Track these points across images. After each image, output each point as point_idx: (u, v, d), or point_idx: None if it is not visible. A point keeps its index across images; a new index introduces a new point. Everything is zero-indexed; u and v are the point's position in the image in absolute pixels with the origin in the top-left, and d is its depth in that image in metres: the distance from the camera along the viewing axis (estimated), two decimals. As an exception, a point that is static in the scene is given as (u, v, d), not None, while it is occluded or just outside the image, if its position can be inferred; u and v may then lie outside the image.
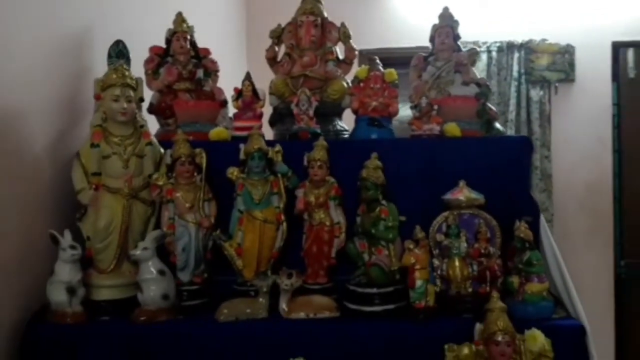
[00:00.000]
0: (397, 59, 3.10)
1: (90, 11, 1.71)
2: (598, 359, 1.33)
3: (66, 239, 1.35)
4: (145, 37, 1.82)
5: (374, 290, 1.38)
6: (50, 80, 1.52)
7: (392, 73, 1.70)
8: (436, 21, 1.83)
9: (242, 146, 1.51)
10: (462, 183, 1.51)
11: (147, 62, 1.76)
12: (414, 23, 3.37)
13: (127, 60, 1.59)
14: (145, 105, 1.68)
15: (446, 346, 1.21)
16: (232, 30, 3.21)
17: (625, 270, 3.31)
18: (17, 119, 1.39)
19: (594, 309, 2.97)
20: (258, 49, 3.14)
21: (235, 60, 3.10)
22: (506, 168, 1.62)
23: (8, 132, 1.35)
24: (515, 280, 1.39)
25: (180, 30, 1.77)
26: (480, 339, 1.21)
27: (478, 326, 1.24)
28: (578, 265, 2.75)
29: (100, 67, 1.68)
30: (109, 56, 1.57)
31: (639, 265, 3.27)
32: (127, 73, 1.45)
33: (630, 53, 3.37)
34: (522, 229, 1.42)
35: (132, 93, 1.45)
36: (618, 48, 3.36)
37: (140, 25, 1.96)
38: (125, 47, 1.60)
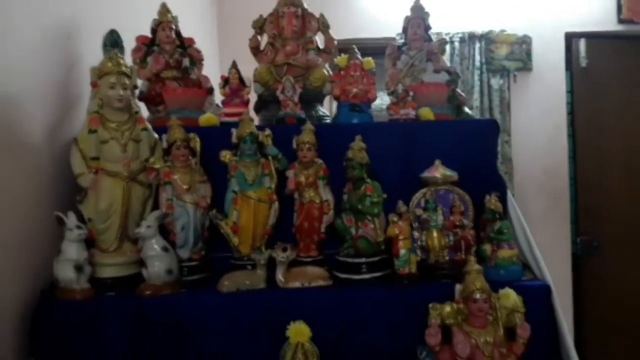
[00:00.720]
0: (366, 49, 3.25)
1: (78, 2, 1.75)
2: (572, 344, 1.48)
3: (71, 220, 1.41)
4: (129, 25, 1.87)
5: (362, 260, 1.51)
6: (44, 70, 1.56)
7: (369, 62, 1.82)
8: (405, 13, 1.96)
9: (234, 131, 1.60)
10: (437, 162, 1.65)
11: (135, 51, 1.82)
12: (382, 15, 3.49)
13: (121, 49, 1.65)
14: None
15: (430, 305, 1.34)
16: (204, 15, 3.24)
17: (580, 247, 3.52)
18: (16, 108, 1.43)
19: (554, 281, 3.22)
20: (230, 34, 3.25)
21: (208, 45, 3.13)
22: (476, 148, 1.77)
23: (9, 121, 1.40)
24: (487, 247, 1.55)
25: (165, 20, 1.84)
26: (460, 298, 1.35)
27: (458, 287, 1.38)
28: (538, 242, 2.96)
29: (89, 56, 1.74)
30: (104, 45, 1.63)
31: (592, 241, 3.50)
32: (122, 61, 1.51)
33: (582, 43, 3.52)
34: (492, 201, 1.57)
35: (127, 81, 1.51)
36: (571, 39, 3.53)
37: (124, 14, 2.01)
38: (119, 36, 1.67)
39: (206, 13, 3.28)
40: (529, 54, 3.55)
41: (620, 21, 3.53)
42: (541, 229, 3.39)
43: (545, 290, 1.48)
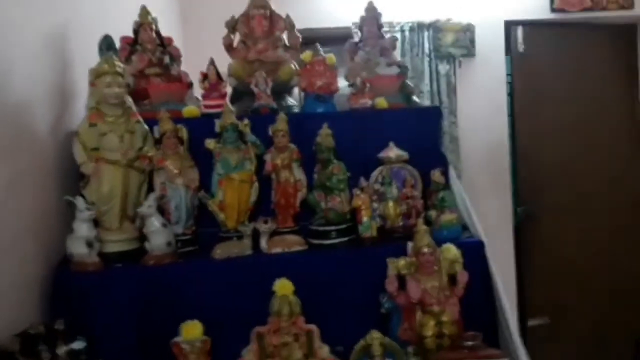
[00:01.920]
0: (319, 38, 3.49)
1: (67, 8, 1.92)
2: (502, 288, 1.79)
3: (80, 202, 1.62)
4: (114, 28, 2.06)
5: (332, 227, 1.77)
6: (44, 70, 1.73)
7: (331, 58, 2.06)
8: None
9: (217, 121, 1.83)
10: (391, 144, 1.90)
11: (120, 50, 2.01)
12: (335, 7, 3.70)
13: (115, 51, 1.84)
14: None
15: (388, 260, 1.63)
16: (168, 12, 3.40)
17: (521, 215, 3.83)
18: (22, 106, 1.59)
19: (499, 247, 3.54)
20: (193, 29, 3.41)
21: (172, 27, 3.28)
22: (423, 131, 2.03)
23: (17, 117, 1.56)
24: (433, 213, 1.83)
25: (146, 22, 2.00)
26: (412, 253, 1.65)
27: (409, 244, 1.68)
28: (483, 212, 3.27)
29: (82, 57, 1.92)
30: (100, 49, 1.82)
31: (532, 210, 3.81)
32: (116, 63, 1.69)
33: (520, 31, 3.77)
34: (437, 175, 1.86)
35: (121, 79, 1.71)
36: (509, 26, 3.78)
37: (110, 17, 2.20)
38: (112, 40, 1.86)
39: (171, 13, 3.44)
40: (472, 41, 3.74)
41: (553, 10, 3.79)
42: (486, 200, 3.71)
43: (480, 245, 1.79)
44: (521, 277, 3.84)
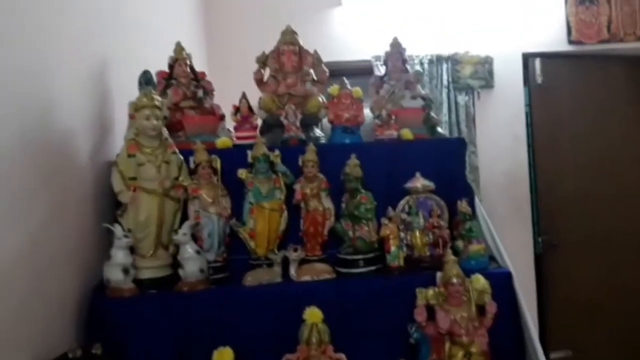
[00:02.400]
0: (340, 70, 3.59)
1: (110, 44, 2.03)
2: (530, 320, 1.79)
3: (118, 230, 1.68)
4: (151, 62, 2.16)
5: (360, 256, 1.80)
6: (86, 101, 1.81)
7: (358, 91, 2.14)
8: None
9: (249, 152, 1.89)
10: (417, 174, 1.93)
11: (156, 85, 2.10)
12: (354, 40, 3.82)
13: (154, 85, 1.93)
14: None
15: (417, 289, 1.64)
16: (194, 40, 3.53)
17: (542, 246, 3.80)
18: (65, 134, 1.67)
19: (519, 278, 3.53)
20: (218, 57, 3.54)
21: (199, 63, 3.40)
22: (448, 162, 2.06)
23: (61, 145, 1.64)
24: (460, 243, 1.86)
25: (181, 57, 2.11)
26: (440, 283, 1.67)
27: (439, 274, 1.70)
28: (503, 242, 3.28)
29: (121, 89, 2.02)
30: (139, 83, 1.90)
31: (552, 241, 3.78)
32: (155, 97, 1.77)
33: (537, 62, 3.84)
34: (463, 205, 1.90)
35: (159, 112, 1.79)
36: (527, 58, 3.85)
37: (142, 52, 2.30)
38: (151, 75, 1.95)
39: (198, 45, 3.57)
40: (491, 73, 3.83)
41: (570, 42, 3.87)
42: (506, 230, 3.70)
43: (507, 275, 1.81)
44: (542, 309, 3.81)
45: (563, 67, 3.93)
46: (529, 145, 3.92)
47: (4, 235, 1.31)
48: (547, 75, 3.88)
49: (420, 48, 3.77)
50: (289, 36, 2.16)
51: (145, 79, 1.92)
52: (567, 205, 3.84)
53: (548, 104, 3.89)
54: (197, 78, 2.16)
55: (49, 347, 1.44)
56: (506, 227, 3.67)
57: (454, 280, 1.63)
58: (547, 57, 3.88)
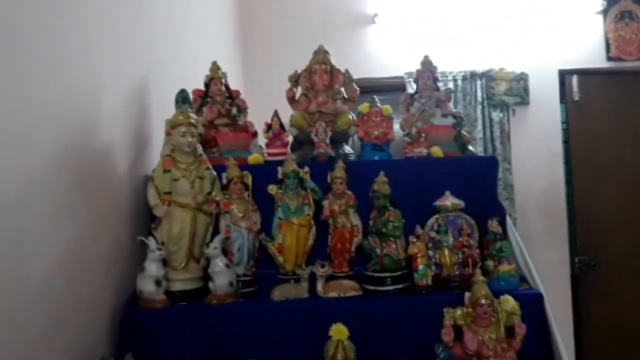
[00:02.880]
0: (373, 87, 3.62)
1: (147, 63, 2.12)
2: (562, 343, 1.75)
3: (152, 243, 1.74)
4: (183, 80, 2.24)
5: (387, 274, 1.80)
6: (125, 118, 1.90)
7: (387, 109, 2.16)
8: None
9: (279, 168, 1.93)
10: (447, 192, 1.93)
11: (192, 102, 2.17)
12: (387, 57, 3.85)
13: (190, 104, 2.00)
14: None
15: (445, 309, 1.63)
16: (230, 59, 3.63)
17: (579, 266, 3.72)
18: (105, 149, 1.75)
19: (555, 299, 3.45)
20: (253, 75, 3.63)
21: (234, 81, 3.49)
22: (479, 180, 2.05)
23: (101, 160, 1.72)
24: (490, 263, 1.84)
25: (216, 76, 2.17)
26: (469, 303, 1.66)
27: (467, 294, 1.68)
28: (539, 261, 3.20)
29: (155, 106, 2.10)
30: (176, 101, 1.98)
31: (590, 261, 3.70)
32: (191, 115, 1.84)
33: (574, 79, 3.79)
34: (494, 225, 1.88)
35: (194, 130, 1.85)
36: (564, 75, 3.81)
37: (180, 70, 2.39)
38: (187, 94, 2.02)
39: (234, 63, 3.67)
40: (526, 89, 3.81)
41: (609, 59, 3.82)
42: (542, 249, 3.66)
43: (538, 297, 1.77)
44: (579, 331, 3.69)
45: (601, 83, 3.87)
46: (565, 163, 3.86)
47: (43, 246, 1.38)
48: (584, 92, 3.83)
49: (454, 65, 3.78)
50: (321, 55, 2.20)
51: (181, 97, 1.99)
52: (605, 224, 3.74)
53: (585, 121, 3.83)
54: (232, 96, 2.22)
55: (83, 355, 1.50)
56: (542, 246, 3.65)
57: (483, 300, 1.61)
58: (585, 74, 3.83)
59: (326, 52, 2.21)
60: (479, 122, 3.80)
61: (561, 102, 3.87)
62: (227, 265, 1.76)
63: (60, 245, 1.46)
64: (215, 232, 1.88)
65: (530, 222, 3.76)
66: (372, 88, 3.44)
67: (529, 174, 3.78)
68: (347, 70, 2.23)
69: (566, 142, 3.87)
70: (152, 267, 1.72)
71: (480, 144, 3.75)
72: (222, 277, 1.74)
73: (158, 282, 1.72)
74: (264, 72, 3.65)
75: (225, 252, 1.84)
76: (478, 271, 1.71)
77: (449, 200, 1.92)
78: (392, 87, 3.71)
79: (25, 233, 1.30)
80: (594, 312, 3.70)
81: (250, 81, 3.72)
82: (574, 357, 3.61)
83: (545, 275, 3.15)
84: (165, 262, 1.80)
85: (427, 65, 2.27)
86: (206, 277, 1.81)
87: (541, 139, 3.82)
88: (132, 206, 1.89)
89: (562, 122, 3.88)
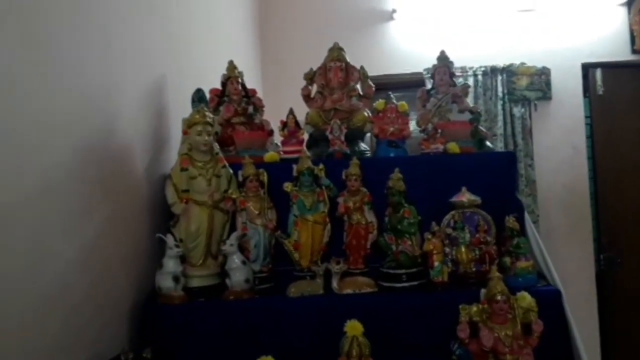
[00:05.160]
0: (392, 83, 3.61)
1: (165, 63, 2.15)
2: (585, 347, 1.72)
3: (170, 240, 1.77)
4: (200, 80, 2.27)
5: (402, 271, 1.80)
6: (143, 117, 1.93)
7: (403, 105, 2.15)
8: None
9: (294, 166, 1.94)
10: (464, 189, 1.92)
11: (209, 101, 2.20)
12: (406, 53, 3.83)
13: (206, 103, 2.03)
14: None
15: (461, 306, 1.62)
16: (249, 58, 3.65)
17: (604, 263, 3.65)
18: (124, 148, 1.79)
19: (579, 296, 3.41)
20: (272, 74, 3.65)
21: (253, 80, 3.51)
22: (496, 176, 2.03)
23: (120, 158, 1.75)
24: (507, 260, 1.82)
25: (233, 75, 2.20)
26: (484, 300, 1.64)
27: (483, 291, 1.66)
28: (563, 259, 3.16)
29: (172, 105, 2.13)
30: (192, 100, 2.01)
31: (615, 258, 3.64)
32: (207, 113, 1.86)
33: (598, 73, 3.72)
34: (511, 221, 1.86)
35: (210, 129, 1.88)
36: (587, 68, 3.74)
37: (198, 70, 2.42)
38: (204, 93, 2.05)
39: (253, 61, 3.69)
40: (548, 84, 3.76)
41: (634, 51, 3.73)
42: (565, 246, 3.61)
43: (556, 294, 1.75)
44: (605, 329, 3.62)
45: (626, 76, 3.79)
46: (589, 158, 3.79)
47: (64, 243, 1.42)
48: (608, 86, 3.76)
49: (474, 60, 3.75)
50: (336, 53, 2.20)
51: (198, 97, 2.02)
52: (630, 220, 3.67)
53: (609, 115, 3.76)
54: (248, 95, 2.24)
55: (103, 350, 1.54)
56: (566, 243, 3.61)
57: (499, 297, 1.59)
58: (609, 67, 3.75)
59: (341, 49, 2.21)
60: (500, 117, 3.76)
61: (585, 96, 3.81)
62: (244, 262, 1.78)
63: (80, 243, 1.50)
64: (232, 229, 1.90)
65: (554, 219, 3.72)
66: (391, 85, 3.44)
67: (551, 170, 3.74)
68: (362, 67, 2.23)
69: (590, 137, 3.80)
70: (170, 264, 1.75)
71: (501, 140, 3.71)
72: (238, 274, 1.76)
73: (176, 279, 1.75)
74: (283, 71, 3.66)
75: (242, 249, 1.86)
76: (494, 267, 1.69)
77: (465, 197, 1.91)
78: (411, 84, 3.70)
79: (45, 232, 1.34)
80: (620, 309, 3.63)
81: (268, 80, 3.75)
82: (600, 355, 3.55)
83: (570, 272, 3.16)
84: (183, 259, 1.83)
85: (444, 61, 2.25)
86: (223, 273, 1.83)
87: (564, 134, 3.77)
88: (150, 204, 1.93)
89: (586, 117, 3.81)
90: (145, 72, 1.97)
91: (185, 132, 1.89)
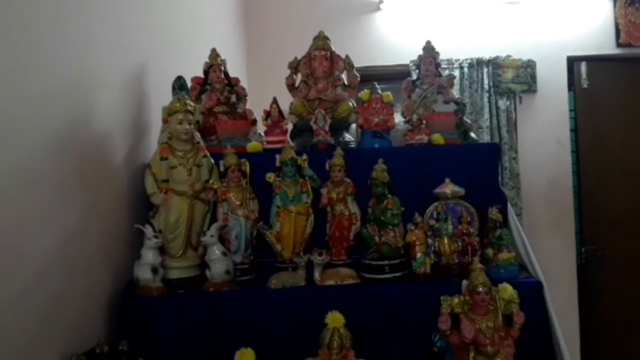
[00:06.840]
0: (378, 75, 3.58)
1: (146, 51, 2.10)
2: (565, 337, 1.73)
3: (149, 231, 1.74)
4: (182, 68, 2.22)
5: (385, 262, 1.79)
6: (123, 107, 1.89)
7: (388, 95, 2.13)
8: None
9: (277, 156, 1.91)
10: (447, 180, 1.91)
11: (191, 90, 2.16)
12: (393, 44, 3.81)
13: (187, 91, 1.99)
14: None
15: (442, 297, 1.61)
16: (234, 46, 3.60)
17: (585, 256, 3.69)
18: (104, 137, 1.75)
19: (561, 289, 3.44)
20: (257, 63, 3.60)
21: (237, 68, 3.47)
22: (480, 168, 2.03)
23: (98, 147, 1.71)
24: (490, 251, 1.82)
25: (215, 63, 2.16)
26: (466, 291, 1.64)
27: (464, 282, 1.67)
28: (545, 252, 3.16)
29: (153, 93, 2.09)
30: (173, 88, 1.97)
31: (596, 251, 3.68)
32: (188, 102, 1.83)
33: (583, 66, 3.73)
34: (494, 213, 1.85)
35: (191, 117, 1.84)
36: (572, 62, 3.74)
37: (180, 57, 2.38)
38: (184, 81, 2.01)
39: (238, 50, 3.64)
40: (533, 77, 3.76)
41: (619, 45, 3.74)
42: (548, 238, 3.64)
43: (538, 286, 1.75)
44: (585, 322, 3.66)
45: (611, 70, 3.80)
46: (573, 152, 3.81)
47: (41, 233, 1.38)
48: (593, 79, 3.77)
49: (460, 52, 3.74)
50: (321, 41, 2.17)
51: (178, 85, 1.98)
52: (612, 214, 3.70)
53: (594, 109, 3.77)
54: (231, 83, 2.20)
55: (80, 342, 1.50)
56: (548, 236, 3.64)
57: (480, 288, 1.59)
58: (594, 61, 3.76)
59: (326, 38, 2.18)
60: (486, 110, 3.76)
61: (569, 89, 3.81)
62: (224, 253, 1.76)
63: (58, 233, 1.46)
64: (213, 220, 1.87)
65: (537, 212, 3.74)
66: (377, 76, 3.41)
67: (535, 163, 3.75)
68: (347, 57, 2.20)
69: (574, 130, 3.81)
70: (149, 255, 1.72)
71: (487, 132, 3.71)
72: (219, 265, 1.73)
73: (155, 270, 1.72)
74: (268, 60, 3.62)
75: (223, 240, 1.83)
76: (476, 259, 1.69)
77: (448, 188, 1.90)
78: (397, 75, 3.65)
79: (22, 221, 1.30)
80: (600, 302, 3.68)
81: (252, 69, 3.70)
82: (579, 346, 3.59)
83: (552, 265, 3.18)
84: (162, 250, 1.80)
85: (430, 51, 2.24)
86: (203, 265, 1.80)
87: (548, 128, 3.77)
88: (129, 194, 1.89)
89: (570, 110, 3.82)
90: (125, 60, 1.93)
91: (165, 121, 1.85)
